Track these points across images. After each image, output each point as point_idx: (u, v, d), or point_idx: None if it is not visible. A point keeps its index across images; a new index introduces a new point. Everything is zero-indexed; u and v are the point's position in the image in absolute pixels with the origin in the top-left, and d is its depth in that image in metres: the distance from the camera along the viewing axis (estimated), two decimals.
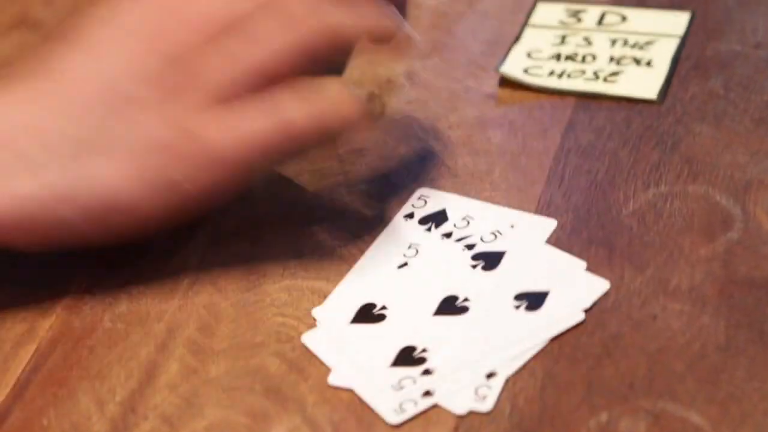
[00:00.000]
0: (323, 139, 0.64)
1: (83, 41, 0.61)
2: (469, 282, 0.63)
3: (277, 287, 0.64)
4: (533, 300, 0.62)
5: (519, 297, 0.62)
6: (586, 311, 0.61)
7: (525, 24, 0.80)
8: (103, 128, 0.59)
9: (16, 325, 0.64)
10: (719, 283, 0.62)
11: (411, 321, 0.62)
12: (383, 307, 0.62)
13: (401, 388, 0.57)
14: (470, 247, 0.65)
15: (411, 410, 0.56)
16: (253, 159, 0.61)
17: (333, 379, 0.58)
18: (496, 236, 0.65)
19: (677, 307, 0.61)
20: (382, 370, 0.58)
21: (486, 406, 0.56)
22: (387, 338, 0.61)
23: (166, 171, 0.59)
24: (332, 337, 0.61)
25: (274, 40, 0.60)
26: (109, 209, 0.60)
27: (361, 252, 0.66)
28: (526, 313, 0.61)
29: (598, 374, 0.58)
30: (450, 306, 0.62)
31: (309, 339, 0.61)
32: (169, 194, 0.60)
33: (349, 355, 0.60)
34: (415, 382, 0.57)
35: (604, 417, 0.56)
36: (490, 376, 0.58)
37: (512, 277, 0.63)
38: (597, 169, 0.70)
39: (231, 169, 0.60)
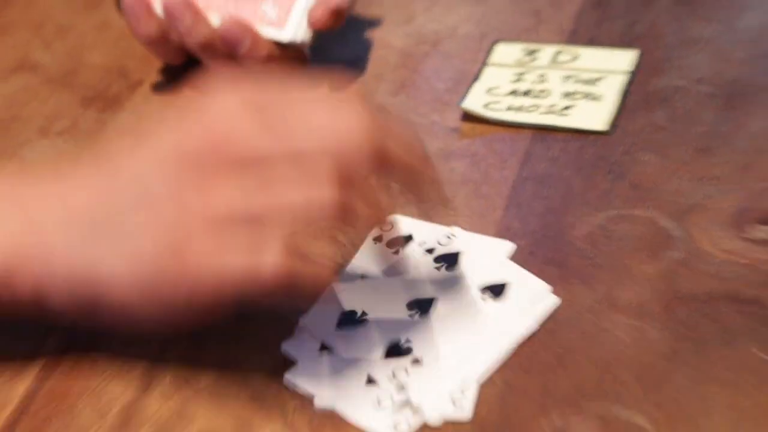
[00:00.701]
0: (288, 293, 0.59)
1: (138, 150, 0.61)
2: (435, 284, 0.66)
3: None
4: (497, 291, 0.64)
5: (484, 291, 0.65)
6: (541, 325, 0.63)
7: (485, 63, 0.81)
8: (120, 221, 0.59)
9: (21, 342, 0.65)
10: (664, 299, 0.64)
11: (390, 321, 0.64)
12: (363, 314, 0.64)
13: (378, 403, 0.59)
14: (439, 260, 0.67)
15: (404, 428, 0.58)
16: (222, 292, 0.58)
17: (318, 402, 0.60)
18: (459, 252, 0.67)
19: (626, 322, 0.63)
20: (362, 389, 0.60)
21: (464, 414, 0.58)
22: (373, 336, 0.63)
23: (152, 276, 0.58)
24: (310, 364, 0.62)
25: (287, 193, 0.58)
26: (98, 296, 0.59)
27: (336, 273, 0.67)
28: (493, 301, 0.64)
29: (553, 383, 0.59)
30: (421, 305, 0.64)
31: (288, 346, 0.63)
32: (152, 298, 0.59)
33: (329, 378, 0.61)
34: (392, 398, 0.59)
35: (557, 421, 0.57)
36: (464, 387, 0.59)
37: (475, 279, 0.65)
38: (552, 195, 0.71)
39: (203, 294, 0.58)
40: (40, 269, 0.59)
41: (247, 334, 0.64)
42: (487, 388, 0.59)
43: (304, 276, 0.58)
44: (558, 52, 0.82)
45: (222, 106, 0.60)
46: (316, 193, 0.57)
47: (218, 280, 0.57)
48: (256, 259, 0.57)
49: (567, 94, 0.78)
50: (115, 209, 0.59)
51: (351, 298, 0.66)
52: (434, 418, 0.57)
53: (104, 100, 0.83)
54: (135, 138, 0.61)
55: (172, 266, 0.58)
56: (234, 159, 0.58)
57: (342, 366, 0.61)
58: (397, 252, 0.68)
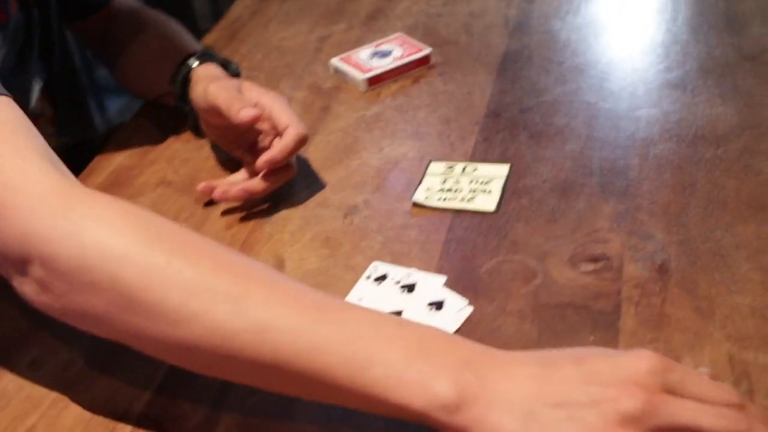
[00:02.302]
0: None
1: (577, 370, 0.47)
2: (402, 301, 0.63)
3: None
4: (438, 306, 0.63)
5: (430, 305, 0.63)
6: (462, 324, 0.61)
7: (424, 173, 0.79)
8: (546, 414, 0.45)
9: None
10: (532, 307, 0.62)
11: None
12: None
13: None
14: (403, 287, 0.65)
15: None
16: None
17: None
18: (415, 282, 0.65)
19: (511, 321, 0.61)
20: None
21: None
22: None
23: None
24: None
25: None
26: None
27: (343, 293, 0.65)
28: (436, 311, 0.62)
29: None
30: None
31: None
32: None
33: None
34: None
35: None
36: None
37: (424, 299, 0.63)
38: (466, 249, 0.69)
39: None
40: (473, 421, 0.46)
41: None
42: None
43: None
44: (465, 166, 0.80)
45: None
46: None
47: None
48: None
49: (471, 190, 0.76)
50: (550, 401, 0.45)
51: None
52: None
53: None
54: (576, 358, 0.48)
55: None
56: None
57: None
58: (378, 283, 0.65)
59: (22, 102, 0.80)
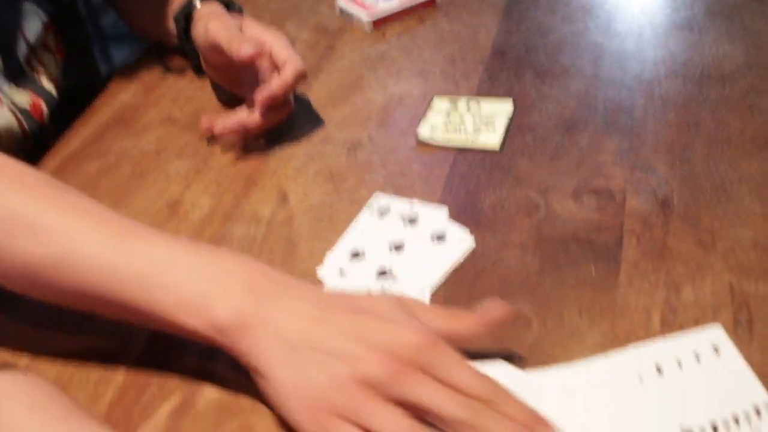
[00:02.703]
0: None
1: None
2: (404, 233, 0.63)
3: (307, 245, 0.64)
4: (440, 237, 0.63)
5: (432, 237, 0.63)
6: (465, 257, 0.61)
7: (428, 109, 0.79)
8: (310, 353, 0.47)
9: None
10: (535, 240, 0.62)
11: (379, 256, 0.61)
12: (363, 252, 0.62)
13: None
14: (405, 219, 0.65)
15: None
16: None
17: None
18: (417, 214, 0.65)
19: (514, 253, 0.61)
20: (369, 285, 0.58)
21: None
22: (369, 265, 0.61)
23: (298, 401, 0.47)
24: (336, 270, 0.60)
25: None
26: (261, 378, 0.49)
27: (346, 227, 0.65)
28: (438, 243, 0.62)
29: (474, 290, 0.58)
30: (397, 246, 0.62)
31: (321, 271, 0.60)
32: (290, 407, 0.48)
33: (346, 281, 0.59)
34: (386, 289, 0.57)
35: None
36: (423, 292, 0.58)
37: (426, 230, 0.63)
38: (469, 184, 0.69)
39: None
40: (247, 347, 0.48)
41: (298, 266, 0.61)
42: (436, 293, 0.58)
43: None
44: (469, 103, 0.79)
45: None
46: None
47: None
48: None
49: (475, 127, 0.75)
50: (313, 343, 0.47)
51: (355, 243, 0.63)
52: None
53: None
54: (356, 311, 0.49)
55: (318, 408, 0.46)
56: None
57: (353, 284, 0.59)
58: (381, 216, 0.65)
59: (11, 28, 0.80)
